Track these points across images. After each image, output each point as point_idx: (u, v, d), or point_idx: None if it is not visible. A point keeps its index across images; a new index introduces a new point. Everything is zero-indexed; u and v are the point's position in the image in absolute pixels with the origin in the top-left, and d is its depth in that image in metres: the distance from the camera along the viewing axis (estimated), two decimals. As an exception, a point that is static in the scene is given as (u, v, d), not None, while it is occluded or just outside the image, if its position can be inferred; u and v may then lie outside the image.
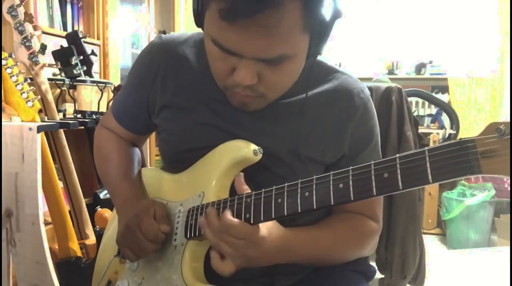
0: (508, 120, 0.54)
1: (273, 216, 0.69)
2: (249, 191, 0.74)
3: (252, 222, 0.71)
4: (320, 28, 0.71)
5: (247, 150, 0.79)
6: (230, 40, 0.68)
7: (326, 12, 0.70)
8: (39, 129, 1.34)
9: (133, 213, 0.84)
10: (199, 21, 0.75)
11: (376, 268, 1.12)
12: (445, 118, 3.77)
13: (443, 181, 0.55)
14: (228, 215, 0.71)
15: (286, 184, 0.69)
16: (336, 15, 0.71)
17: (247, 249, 0.71)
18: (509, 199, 3.27)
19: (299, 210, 0.67)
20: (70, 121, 1.61)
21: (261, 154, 0.79)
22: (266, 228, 0.72)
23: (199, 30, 0.92)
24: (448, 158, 0.53)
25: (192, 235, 0.80)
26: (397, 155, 0.58)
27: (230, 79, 0.73)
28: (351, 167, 0.63)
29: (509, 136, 0.50)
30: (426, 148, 0.56)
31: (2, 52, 1.36)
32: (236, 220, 0.71)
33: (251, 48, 0.68)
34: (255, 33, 0.66)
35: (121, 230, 0.86)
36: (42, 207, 1.37)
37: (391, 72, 4.17)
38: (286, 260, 0.77)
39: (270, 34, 0.66)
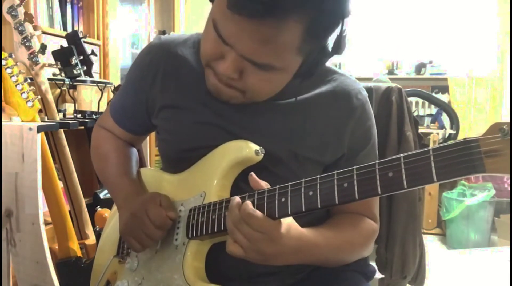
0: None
1: (276, 216, 0.69)
2: (268, 185, 0.73)
3: None
4: (317, 56, 0.72)
5: (248, 150, 0.79)
6: (227, 30, 0.69)
7: (330, 42, 0.71)
8: (39, 129, 1.34)
9: (139, 202, 0.84)
10: None
11: (376, 268, 1.12)
12: (445, 118, 3.77)
13: (448, 180, 0.56)
14: (250, 205, 0.69)
15: (290, 183, 0.69)
16: (337, 49, 0.72)
17: (263, 244, 0.69)
18: (509, 199, 3.26)
19: (303, 209, 0.67)
20: (70, 121, 1.60)
21: (262, 154, 0.79)
22: (286, 225, 0.71)
23: (199, 30, 0.93)
24: (453, 158, 0.54)
25: (194, 234, 0.80)
26: (401, 154, 0.59)
27: (215, 64, 0.75)
28: (355, 167, 0.63)
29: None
30: (430, 147, 0.57)
31: (2, 52, 1.36)
32: (257, 211, 0.69)
33: (242, 46, 0.69)
34: (250, 34, 0.67)
35: (126, 220, 0.86)
36: (42, 207, 1.37)
37: (391, 72, 4.17)
38: (299, 260, 0.76)
39: (264, 42, 0.67)
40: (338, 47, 0.72)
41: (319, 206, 0.66)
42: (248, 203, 0.70)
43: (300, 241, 0.74)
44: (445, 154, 0.55)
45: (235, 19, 0.67)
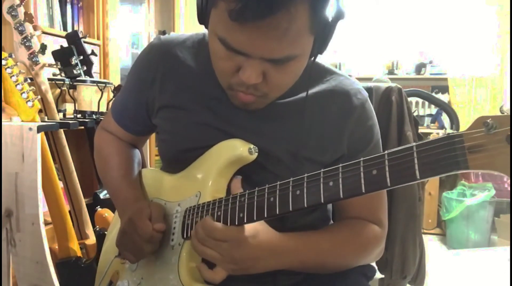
0: (497, 114, 0.53)
1: (265, 215, 0.70)
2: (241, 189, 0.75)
3: (245, 221, 0.72)
4: (324, 29, 0.71)
5: (242, 149, 0.79)
6: (239, 41, 0.68)
7: (330, 13, 0.70)
8: (39, 129, 1.34)
9: (128, 217, 0.85)
10: (202, 19, 0.75)
11: (376, 268, 1.12)
12: (445, 118, 3.77)
13: (431, 177, 0.54)
14: (209, 220, 0.73)
15: (279, 182, 0.69)
16: (339, 16, 0.72)
17: (232, 251, 0.72)
18: (509, 199, 3.26)
19: (290, 209, 0.67)
20: (70, 121, 1.61)
21: (256, 153, 0.79)
22: (252, 228, 0.73)
23: (200, 30, 0.92)
24: (436, 154, 0.52)
25: (189, 235, 0.80)
26: (386, 151, 0.57)
27: (235, 78, 0.74)
28: (340, 165, 0.62)
29: (496, 130, 0.49)
30: (414, 143, 0.55)
31: (2, 52, 1.36)
32: (217, 223, 0.73)
33: (259, 49, 0.68)
34: (265, 35, 0.66)
35: (119, 235, 0.88)
36: (42, 207, 1.37)
37: (391, 72, 4.16)
38: (283, 265, 0.77)
39: (280, 35, 0.66)
40: (340, 13, 0.71)
41: (305, 206, 0.65)
42: (207, 218, 0.74)
43: (272, 243, 0.75)
44: (429, 150, 0.53)
45: (243, 27, 0.65)
